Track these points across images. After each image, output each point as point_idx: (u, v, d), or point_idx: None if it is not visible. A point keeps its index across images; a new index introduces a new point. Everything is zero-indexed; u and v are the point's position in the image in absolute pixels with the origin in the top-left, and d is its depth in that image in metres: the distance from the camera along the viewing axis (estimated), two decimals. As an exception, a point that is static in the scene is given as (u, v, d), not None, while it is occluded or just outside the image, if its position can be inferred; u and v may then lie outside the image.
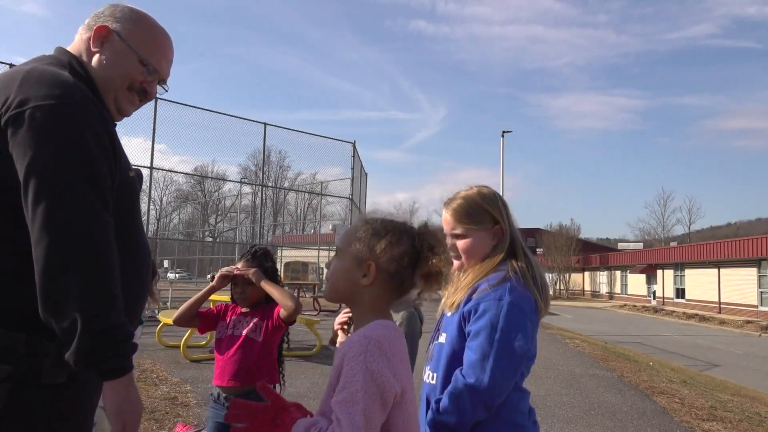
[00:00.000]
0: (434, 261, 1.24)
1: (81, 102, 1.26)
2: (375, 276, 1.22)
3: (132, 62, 1.47)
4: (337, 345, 2.21)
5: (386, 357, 1.09)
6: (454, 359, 1.57)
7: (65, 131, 1.21)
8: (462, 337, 1.58)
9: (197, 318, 2.65)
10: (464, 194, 1.75)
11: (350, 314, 2.16)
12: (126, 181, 1.41)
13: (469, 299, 1.60)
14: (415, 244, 1.24)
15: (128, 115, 1.55)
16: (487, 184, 1.80)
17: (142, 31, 1.51)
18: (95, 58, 1.46)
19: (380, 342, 1.10)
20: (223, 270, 2.62)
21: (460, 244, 1.70)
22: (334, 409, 1.06)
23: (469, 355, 1.52)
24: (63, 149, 1.20)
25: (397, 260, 1.22)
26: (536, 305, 1.59)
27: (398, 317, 2.38)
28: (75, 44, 1.49)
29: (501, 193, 1.81)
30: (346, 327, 2.26)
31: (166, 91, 1.62)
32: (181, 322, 2.64)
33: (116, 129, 1.52)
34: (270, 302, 2.56)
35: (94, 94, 1.39)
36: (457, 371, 1.53)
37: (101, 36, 1.46)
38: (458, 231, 1.71)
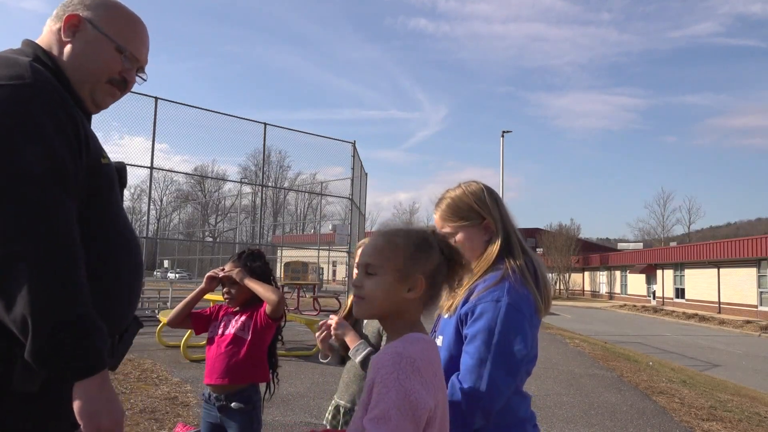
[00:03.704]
0: (462, 271, 1.26)
1: (37, 83, 1.19)
2: (422, 289, 1.20)
3: (109, 51, 1.40)
4: (321, 355, 2.18)
5: (419, 373, 1.07)
6: (451, 363, 1.53)
7: (19, 111, 1.14)
8: (459, 340, 1.54)
9: (190, 319, 2.69)
10: (450, 193, 1.73)
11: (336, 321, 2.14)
12: (97, 169, 1.31)
13: (466, 301, 1.55)
14: (444, 253, 1.25)
15: (105, 107, 1.47)
16: (488, 183, 1.77)
17: (115, 17, 1.43)
18: (67, 49, 1.37)
19: (413, 358, 1.08)
20: (211, 272, 2.67)
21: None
22: (366, 427, 1.04)
23: (466, 360, 1.47)
24: (14, 129, 1.11)
25: (438, 271, 1.23)
26: (536, 305, 1.54)
27: None
28: (44, 37, 1.41)
29: (501, 193, 1.80)
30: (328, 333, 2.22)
31: (145, 80, 1.53)
32: (175, 323, 2.68)
33: (91, 119, 1.45)
34: (260, 301, 2.59)
35: (63, 84, 1.31)
36: (454, 377, 1.48)
37: (72, 25, 1.37)
38: (447, 230, 1.69)
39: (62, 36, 1.38)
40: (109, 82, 1.42)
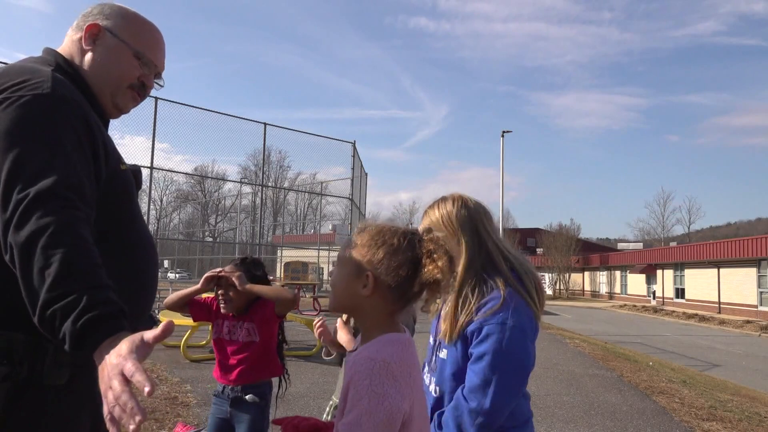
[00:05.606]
0: (429, 268, 1.16)
1: (57, 94, 1.24)
2: (374, 287, 1.17)
3: (127, 57, 1.47)
4: (323, 352, 2.21)
5: (393, 377, 1.06)
6: (458, 377, 1.61)
7: (38, 122, 1.19)
8: (465, 357, 1.60)
9: (188, 307, 2.68)
10: (428, 211, 1.79)
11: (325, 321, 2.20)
12: (116, 175, 1.37)
13: (471, 320, 1.60)
14: (416, 252, 1.18)
15: (127, 111, 1.54)
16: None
17: (133, 25, 1.51)
18: (88, 57, 1.45)
19: (387, 362, 1.07)
20: (209, 273, 2.62)
21: None
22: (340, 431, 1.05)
23: (472, 378, 1.54)
24: (33, 139, 1.17)
25: (394, 270, 1.16)
26: (536, 319, 1.61)
27: None
28: (65, 46, 1.48)
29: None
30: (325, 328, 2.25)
31: (162, 86, 1.60)
32: (173, 307, 2.69)
33: (109, 125, 1.52)
34: (257, 301, 2.59)
35: (84, 92, 1.38)
36: (459, 391, 1.56)
37: (93, 34, 1.45)
38: None
39: (83, 44, 1.45)
40: (130, 87, 1.49)
